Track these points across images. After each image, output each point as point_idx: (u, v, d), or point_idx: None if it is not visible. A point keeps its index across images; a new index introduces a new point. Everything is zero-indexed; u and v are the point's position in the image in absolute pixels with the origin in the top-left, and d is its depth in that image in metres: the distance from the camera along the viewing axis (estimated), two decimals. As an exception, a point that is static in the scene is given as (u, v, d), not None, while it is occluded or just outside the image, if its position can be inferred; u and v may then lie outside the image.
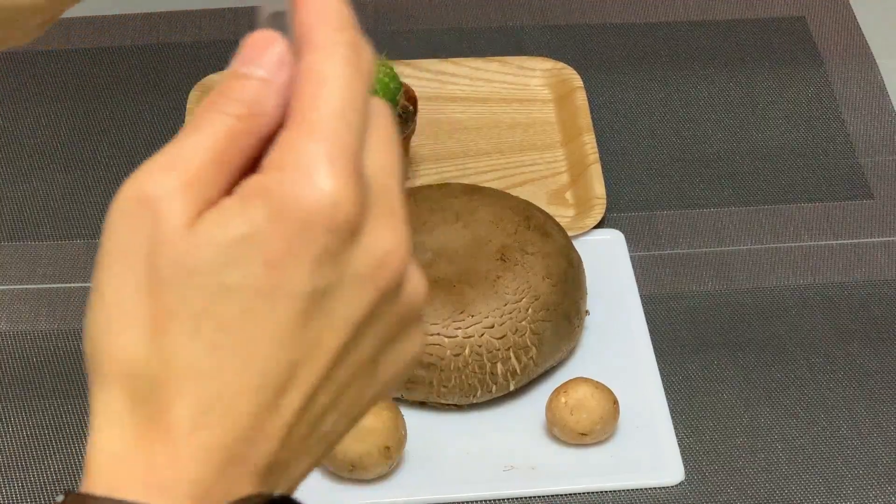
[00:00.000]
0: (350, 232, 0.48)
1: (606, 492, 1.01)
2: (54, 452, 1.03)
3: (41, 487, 1.01)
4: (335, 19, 0.50)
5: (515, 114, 1.30)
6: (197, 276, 0.47)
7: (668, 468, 1.01)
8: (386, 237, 0.50)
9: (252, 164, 0.50)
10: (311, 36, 0.50)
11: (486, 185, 1.17)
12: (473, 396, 1.03)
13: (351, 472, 0.98)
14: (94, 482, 0.48)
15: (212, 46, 1.37)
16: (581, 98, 1.28)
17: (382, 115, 0.51)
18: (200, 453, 0.48)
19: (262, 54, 0.50)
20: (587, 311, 1.09)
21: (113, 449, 0.48)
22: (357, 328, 0.50)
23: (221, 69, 1.39)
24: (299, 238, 0.48)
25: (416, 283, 0.52)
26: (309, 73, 0.50)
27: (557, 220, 1.12)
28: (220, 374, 0.48)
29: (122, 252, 0.48)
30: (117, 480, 0.48)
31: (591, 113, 1.27)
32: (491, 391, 1.03)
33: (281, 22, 0.51)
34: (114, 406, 0.48)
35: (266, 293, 0.48)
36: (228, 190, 0.49)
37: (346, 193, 0.48)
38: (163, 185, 0.48)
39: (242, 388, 0.48)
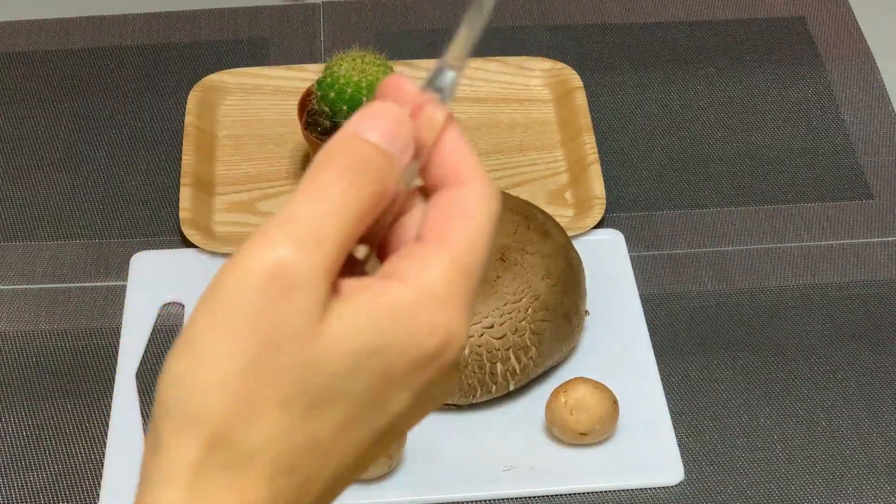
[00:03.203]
0: (453, 369, 0.52)
1: (606, 492, 1.01)
2: (54, 452, 1.03)
3: (41, 488, 1.01)
4: (478, 163, 0.53)
5: (515, 114, 1.30)
6: (320, 373, 0.49)
7: (667, 468, 1.01)
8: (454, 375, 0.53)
9: None
10: (462, 169, 0.52)
11: (486, 185, 1.17)
12: (473, 396, 1.03)
13: (350, 472, 0.98)
14: None
15: (211, 46, 1.37)
16: (580, 98, 1.28)
17: None
18: None
19: (400, 131, 0.51)
20: (587, 311, 1.09)
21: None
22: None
23: (221, 69, 1.40)
24: (418, 367, 0.50)
25: None
26: (466, 207, 0.52)
27: (557, 220, 1.12)
28: (307, 467, 0.49)
29: (241, 320, 0.48)
30: None
31: (591, 113, 1.27)
32: (490, 391, 1.03)
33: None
34: (188, 458, 0.48)
35: (375, 407, 0.50)
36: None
37: (464, 341, 0.51)
38: (307, 270, 0.48)
39: (318, 484, 0.50)
